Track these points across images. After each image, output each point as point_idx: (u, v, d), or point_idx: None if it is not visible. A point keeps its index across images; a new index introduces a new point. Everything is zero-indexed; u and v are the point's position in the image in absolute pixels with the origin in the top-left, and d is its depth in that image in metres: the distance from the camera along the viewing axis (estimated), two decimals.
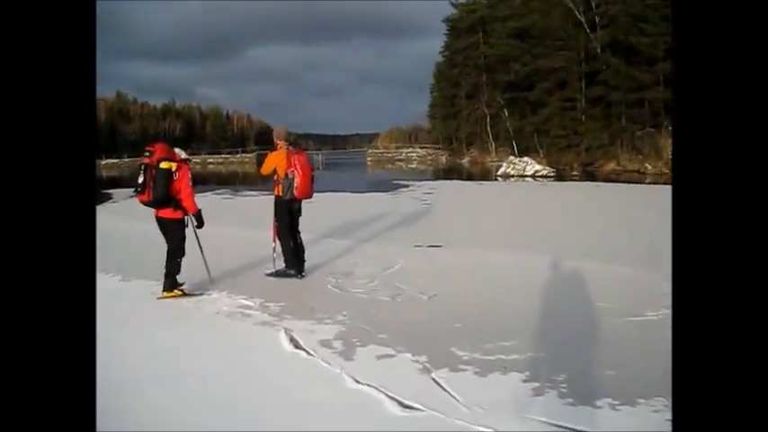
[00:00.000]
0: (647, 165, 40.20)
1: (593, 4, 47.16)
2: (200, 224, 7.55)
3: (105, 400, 2.77)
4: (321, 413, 4.17)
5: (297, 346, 5.53)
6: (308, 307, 6.80)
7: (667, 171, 37.43)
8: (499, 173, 41.05)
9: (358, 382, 4.62)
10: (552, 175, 39.02)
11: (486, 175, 43.43)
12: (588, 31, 47.82)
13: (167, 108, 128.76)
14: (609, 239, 11.60)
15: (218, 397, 4.44)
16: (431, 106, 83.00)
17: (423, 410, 4.13)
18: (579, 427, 3.85)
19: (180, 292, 7.33)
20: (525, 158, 43.45)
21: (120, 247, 10.83)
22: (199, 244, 7.65)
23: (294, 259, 8.35)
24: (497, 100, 59.39)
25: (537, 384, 4.53)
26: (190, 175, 7.32)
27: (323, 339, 5.68)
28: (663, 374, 4.63)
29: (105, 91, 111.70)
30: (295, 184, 8.15)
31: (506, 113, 58.59)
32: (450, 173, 48.58)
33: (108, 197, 25.60)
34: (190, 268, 7.51)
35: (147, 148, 7.18)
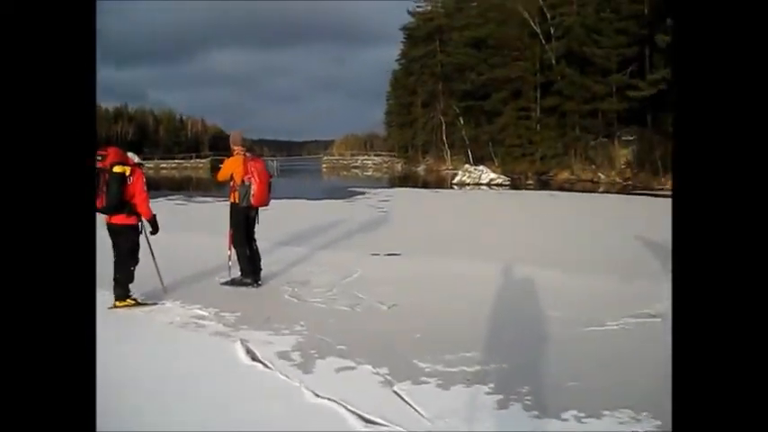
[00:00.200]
0: (600, 174, 40.89)
1: (549, 16, 47.72)
2: (155, 230, 7.31)
3: None
4: (281, 429, 4.01)
5: (254, 358, 5.35)
6: (264, 317, 6.63)
7: (620, 180, 38.11)
8: (455, 181, 41.32)
9: (318, 395, 4.47)
10: (507, 183, 39.38)
11: (441, 183, 43.64)
12: (543, 41, 48.37)
13: (119, 112, 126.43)
14: (567, 248, 11.66)
15: (170, 413, 4.24)
16: (387, 114, 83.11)
17: (385, 425, 4.01)
18: None
19: (133, 302, 7.08)
20: (480, 167, 43.77)
21: None
22: (151, 251, 7.41)
23: (250, 268, 8.16)
24: (453, 108, 59.67)
25: (501, 397, 4.44)
26: (144, 180, 7.11)
27: (280, 351, 5.51)
28: (626, 385, 4.65)
29: None
30: (252, 192, 7.97)
31: (462, 122, 58.89)
32: (406, 180, 48.71)
33: None
34: (141, 277, 7.27)
35: (99, 152, 6.92)
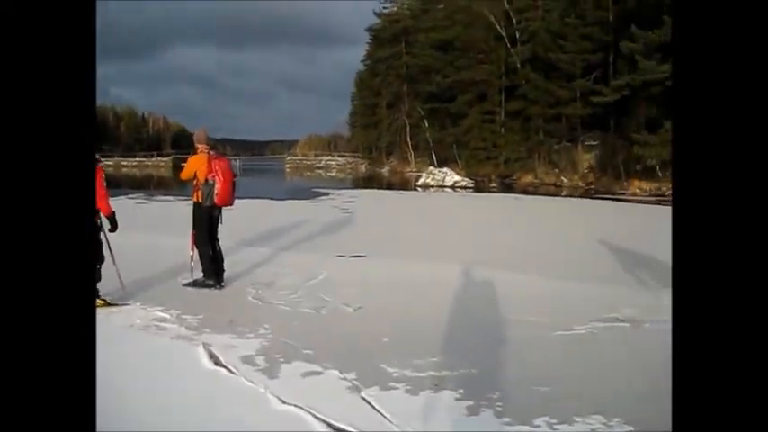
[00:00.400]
0: (563, 178, 41.28)
1: (515, 20, 48.04)
2: (114, 227, 7.07)
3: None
4: None
5: (217, 362, 5.18)
6: (227, 319, 6.46)
7: (582, 184, 38.52)
8: (419, 183, 41.38)
9: (283, 402, 4.33)
10: (471, 186, 39.58)
11: (405, 184, 43.69)
12: (509, 45, 48.65)
13: None
14: (533, 251, 11.66)
15: (131, 420, 4.07)
16: (351, 115, 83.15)
17: None
18: None
19: (102, 302, 6.81)
20: (445, 169, 43.94)
21: None
22: (110, 250, 7.17)
23: (213, 268, 7.97)
24: (418, 110, 59.82)
25: (471, 403, 4.35)
26: (103, 176, 6.88)
27: (244, 355, 5.35)
28: (596, 391, 4.60)
29: None
30: (215, 191, 7.80)
31: (427, 124, 59.03)
32: (370, 182, 48.68)
33: None
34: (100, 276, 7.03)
35: None
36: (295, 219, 16.40)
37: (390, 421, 4.04)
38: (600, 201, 27.18)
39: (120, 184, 36.71)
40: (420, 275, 8.97)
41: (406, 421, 4.02)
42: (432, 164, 51.67)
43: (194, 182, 7.93)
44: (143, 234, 11.94)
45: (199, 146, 8.01)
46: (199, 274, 8.02)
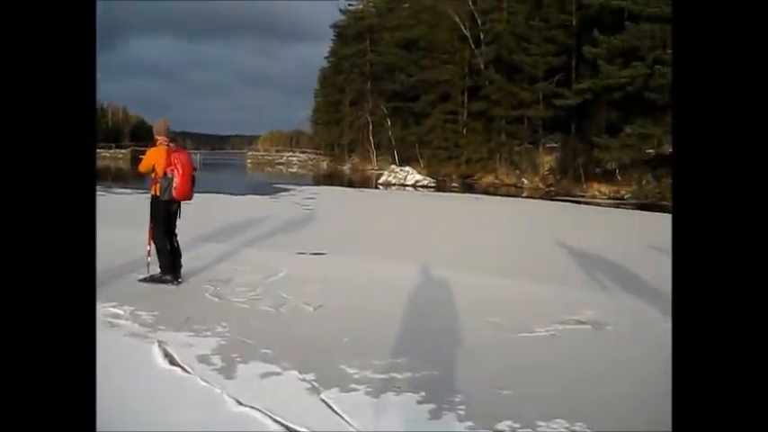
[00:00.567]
0: (523, 179, 41.61)
1: (479, 21, 48.17)
2: None
3: None
4: None
5: (172, 361, 5.02)
6: (184, 317, 6.30)
7: (543, 186, 38.87)
8: (380, 181, 41.35)
9: (240, 403, 4.20)
10: (432, 185, 39.64)
11: (366, 182, 43.62)
12: (473, 46, 48.76)
13: None
14: (494, 252, 11.66)
15: None
16: (314, 111, 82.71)
17: None
18: None
19: None
20: (406, 168, 43.94)
21: None
22: None
23: (170, 264, 7.78)
24: (381, 108, 59.74)
25: (434, 406, 4.27)
26: None
27: (201, 354, 5.19)
28: (559, 394, 4.56)
29: None
30: (174, 184, 7.60)
31: (389, 122, 59.00)
32: (331, 179, 48.48)
33: None
34: None
35: None
36: (255, 214, 16.21)
37: (350, 424, 3.94)
38: (559, 203, 27.42)
39: None
40: (381, 274, 8.90)
41: (366, 424, 3.94)
42: (393, 162, 51.66)
43: (153, 175, 7.73)
44: (99, 227, 11.59)
45: (158, 138, 7.81)
46: (156, 270, 7.83)
